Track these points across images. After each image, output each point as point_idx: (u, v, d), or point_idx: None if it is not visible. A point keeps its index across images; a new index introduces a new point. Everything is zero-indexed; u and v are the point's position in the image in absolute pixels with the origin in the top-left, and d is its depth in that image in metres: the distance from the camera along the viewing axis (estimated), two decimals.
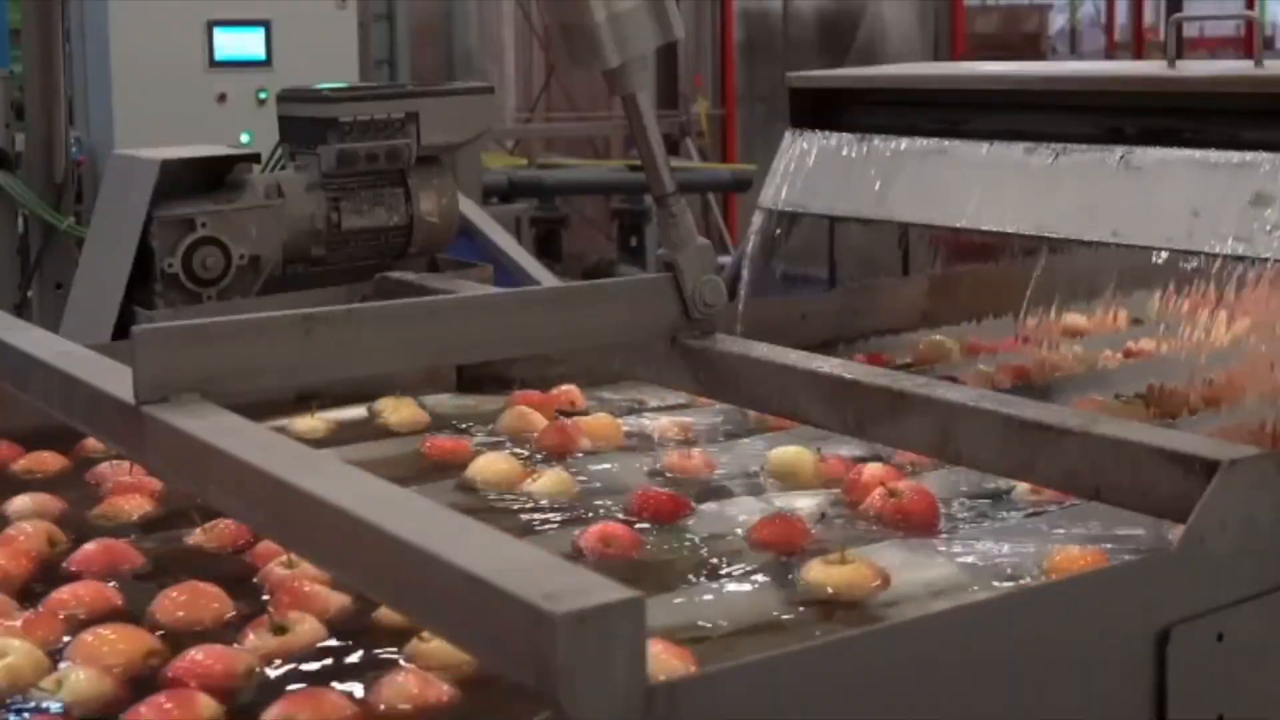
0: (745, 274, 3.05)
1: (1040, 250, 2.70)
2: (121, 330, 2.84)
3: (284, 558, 1.93)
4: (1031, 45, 13.60)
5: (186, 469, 1.73)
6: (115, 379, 1.85)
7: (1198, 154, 2.39)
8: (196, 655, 1.68)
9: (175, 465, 1.77)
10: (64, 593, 1.87)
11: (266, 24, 5.42)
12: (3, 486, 2.32)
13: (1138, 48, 14.29)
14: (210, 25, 5.35)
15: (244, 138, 5.00)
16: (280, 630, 1.73)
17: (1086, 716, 1.47)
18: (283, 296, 2.92)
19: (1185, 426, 2.35)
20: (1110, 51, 15.31)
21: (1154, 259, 2.43)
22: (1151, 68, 3.00)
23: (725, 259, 4.07)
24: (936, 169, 2.78)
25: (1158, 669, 1.48)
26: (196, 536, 2.09)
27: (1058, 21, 15.99)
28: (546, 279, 3.84)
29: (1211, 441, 1.69)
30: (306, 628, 1.75)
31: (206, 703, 1.57)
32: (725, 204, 10.03)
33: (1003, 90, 2.87)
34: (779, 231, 3.05)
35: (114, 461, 2.37)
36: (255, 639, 1.73)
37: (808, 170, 2.99)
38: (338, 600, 1.83)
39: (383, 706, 1.59)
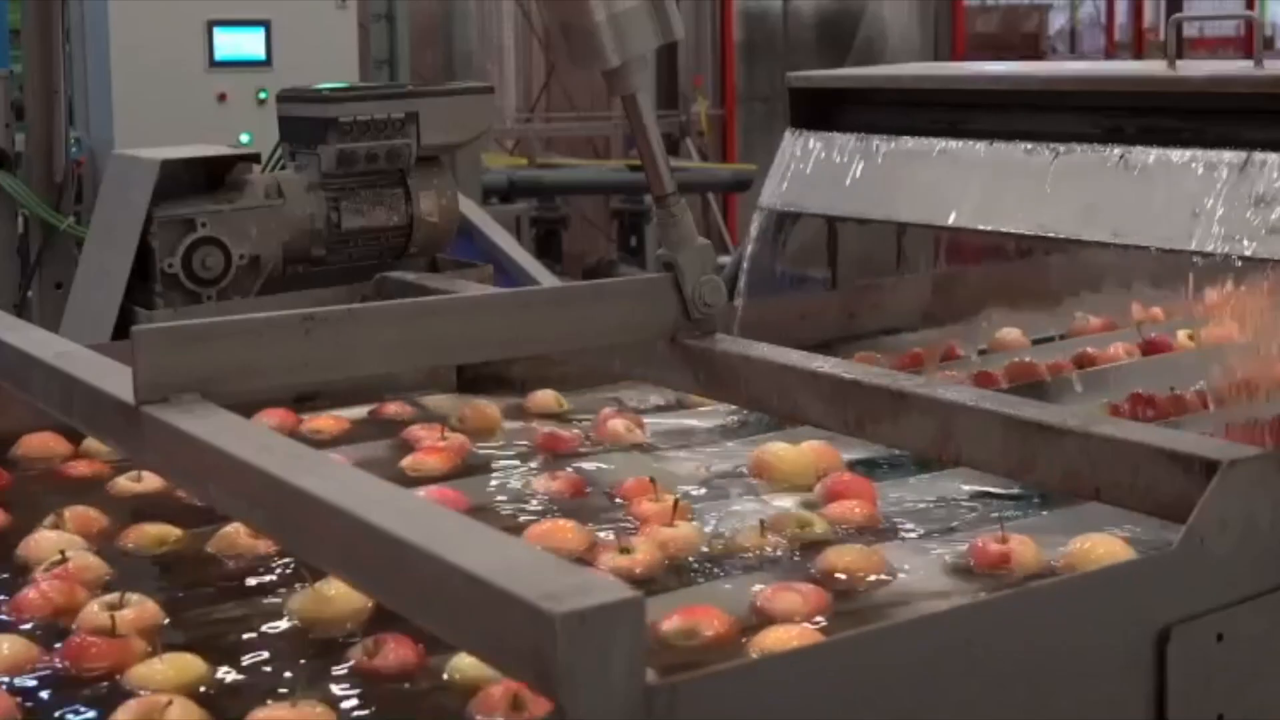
0: (745, 274, 3.05)
1: (1040, 250, 2.70)
2: (121, 330, 2.83)
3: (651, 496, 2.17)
4: (1031, 45, 13.61)
5: (186, 469, 1.73)
6: (115, 379, 1.85)
7: (1198, 154, 2.39)
8: None
9: (175, 465, 1.77)
10: None
11: (266, 24, 5.41)
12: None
13: (1138, 48, 14.30)
14: (210, 25, 5.34)
15: (244, 138, 5.00)
16: (625, 551, 1.98)
17: (1086, 716, 1.47)
18: (283, 296, 2.92)
19: (1187, 426, 2.35)
20: (1110, 51, 15.31)
21: (1154, 259, 2.44)
22: (1151, 68, 3.00)
23: (725, 259, 4.07)
24: (936, 169, 2.78)
25: (1158, 669, 1.48)
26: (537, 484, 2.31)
27: (1058, 21, 15.99)
28: (546, 279, 3.84)
29: (1211, 441, 1.69)
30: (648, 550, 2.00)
31: None
32: (725, 204, 10.03)
33: (1003, 90, 2.87)
34: (779, 231, 3.06)
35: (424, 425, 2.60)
36: (607, 560, 1.95)
37: (808, 170, 2.99)
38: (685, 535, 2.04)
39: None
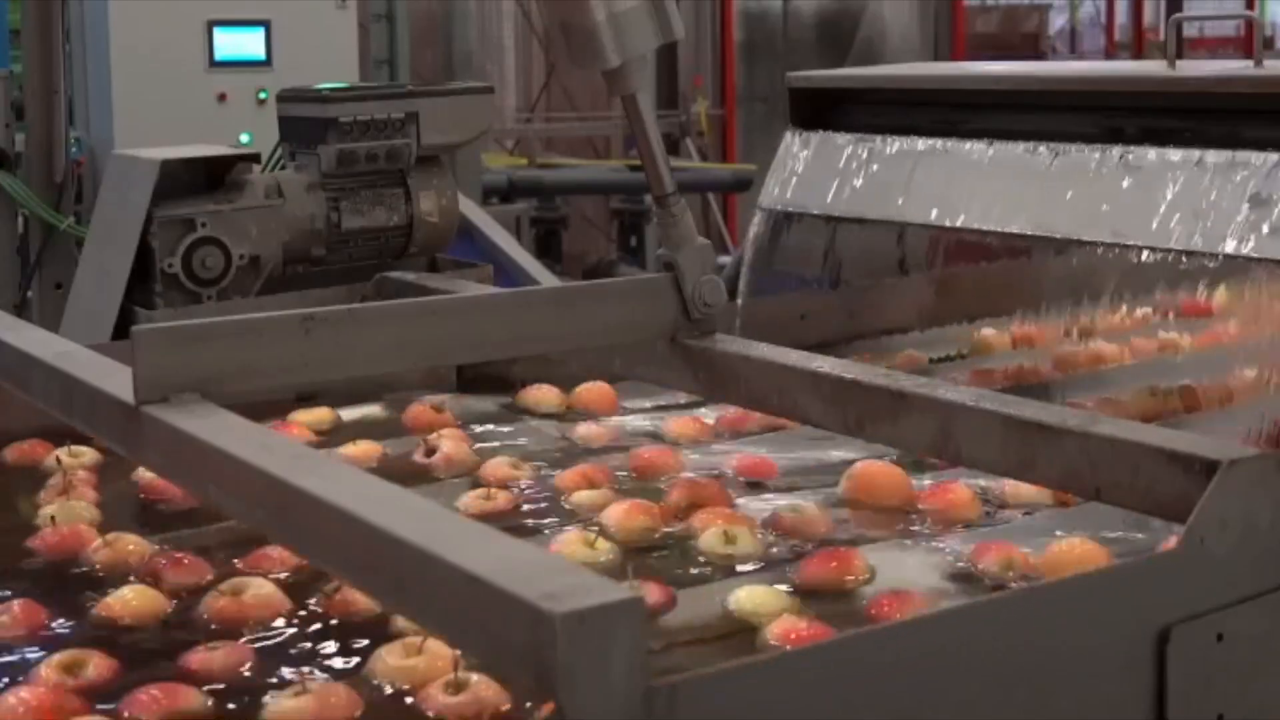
0: (745, 274, 3.05)
1: (1040, 250, 2.70)
2: (121, 330, 2.83)
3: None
4: (1031, 45, 13.63)
5: (186, 469, 1.73)
6: (115, 379, 1.85)
7: (1198, 154, 2.39)
8: None
9: (175, 465, 1.77)
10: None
11: (266, 24, 5.42)
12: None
13: (1138, 48, 14.31)
14: (210, 25, 5.35)
15: (244, 138, 5.00)
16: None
17: (1086, 716, 1.47)
18: (283, 296, 2.92)
19: (1187, 426, 2.35)
20: (1110, 51, 15.33)
21: (1154, 259, 2.43)
22: (1151, 68, 2.99)
23: (725, 259, 4.07)
24: (936, 169, 2.78)
25: (1158, 669, 1.48)
26: None
27: (1058, 21, 16.01)
28: (546, 279, 3.85)
29: (1211, 441, 1.69)
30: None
31: None
32: (725, 204, 10.04)
33: (1003, 90, 2.87)
34: (779, 231, 3.05)
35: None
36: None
37: (808, 170, 2.99)
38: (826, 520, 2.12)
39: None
